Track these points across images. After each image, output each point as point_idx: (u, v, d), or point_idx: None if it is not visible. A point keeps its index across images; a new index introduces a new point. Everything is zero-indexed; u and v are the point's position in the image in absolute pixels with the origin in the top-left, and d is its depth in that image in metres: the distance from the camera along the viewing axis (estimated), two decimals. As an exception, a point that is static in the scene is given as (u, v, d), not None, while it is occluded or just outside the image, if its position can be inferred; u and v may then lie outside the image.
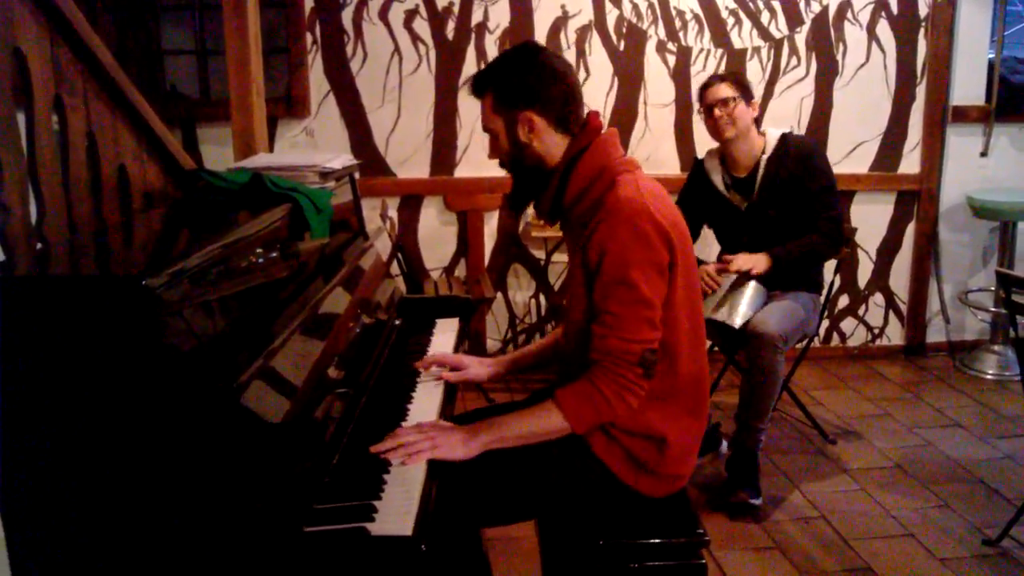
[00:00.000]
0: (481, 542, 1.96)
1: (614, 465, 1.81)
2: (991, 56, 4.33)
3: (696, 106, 3.34)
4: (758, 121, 3.27)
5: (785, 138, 3.19)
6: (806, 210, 3.15)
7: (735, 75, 3.25)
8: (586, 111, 1.89)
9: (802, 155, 3.16)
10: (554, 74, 1.81)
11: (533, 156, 1.84)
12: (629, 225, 1.71)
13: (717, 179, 3.29)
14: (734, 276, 3.12)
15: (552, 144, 1.83)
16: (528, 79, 1.81)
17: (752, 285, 3.10)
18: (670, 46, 4.14)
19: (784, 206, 3.15)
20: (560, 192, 1.84)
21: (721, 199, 3.27)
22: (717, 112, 3.14)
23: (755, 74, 4.19)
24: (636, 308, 1.71)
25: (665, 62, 4.15)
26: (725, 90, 3.14)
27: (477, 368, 2.12)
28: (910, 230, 4.46)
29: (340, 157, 2.48)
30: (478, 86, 1.87)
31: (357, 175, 2.71)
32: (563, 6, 4.05)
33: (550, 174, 1.85)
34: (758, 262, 3.12)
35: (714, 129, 3.20)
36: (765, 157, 3.17)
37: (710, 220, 3.40)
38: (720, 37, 4.16)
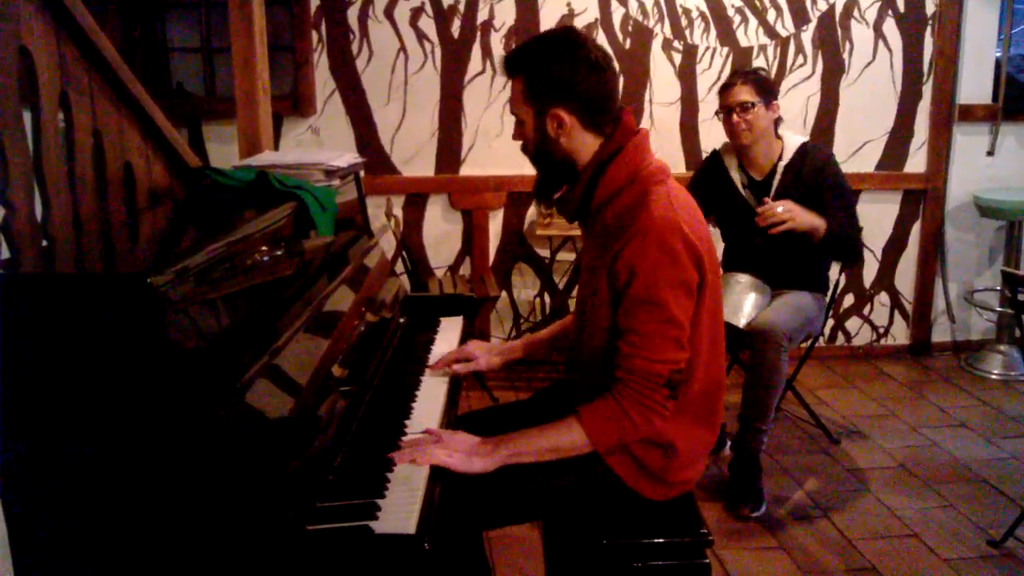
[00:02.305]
0: (482, 543, 1.96)
1: (620, 469, 1.80)
2: (998, 54, 4.32)
3: (716, 104, 3.24)
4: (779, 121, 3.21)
5: (804, 147, 3.14)
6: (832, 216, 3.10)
7: (757, 75, 3.13)
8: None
9: (820, 167, 3.10)
10: (593, 70, 1.73)
11: (560, 151, 1.78)
12: (661, 245, 1.67)
13: (735, 175, 3.22)
14: (742, 280, 3.10)
15: (581, 143, 1.77)
16: (565, 73, 1.72)
17: (756, 284, 3.09)
18: (676, 44, 4.13)
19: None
20: (588, 194, 1.79)
21: (737, 196, 3.21)
22: (735, 117, 3.07)
23: (761, 73, 4.18)
24: (664, 328, 1.68)
25: (671, 60, 4.15)
26: (745, 93, 3.06)
27: (486, 359, 2.08)
28: (916, 229, 4.45)
29: (345, 155, 2.48)
30: (512, 67, 1.79)
31: (362, 173, 2.71)
32: (569, 4, 4.05)
33: (577, 172, 1.80)
34: (809, 221, 3.02)
35: (730, 133, 3.14)
36: (783, 164, 3.12)
37: (720, 215, 3.33)
38: (726, 35, 4.15)
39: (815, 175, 3.10)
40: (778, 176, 3.13)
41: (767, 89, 3.11)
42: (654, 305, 1.67)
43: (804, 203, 3.09)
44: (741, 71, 3.20)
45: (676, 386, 1.71)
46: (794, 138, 3.18)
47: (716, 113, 3.21)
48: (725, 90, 3.14)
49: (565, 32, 1.80)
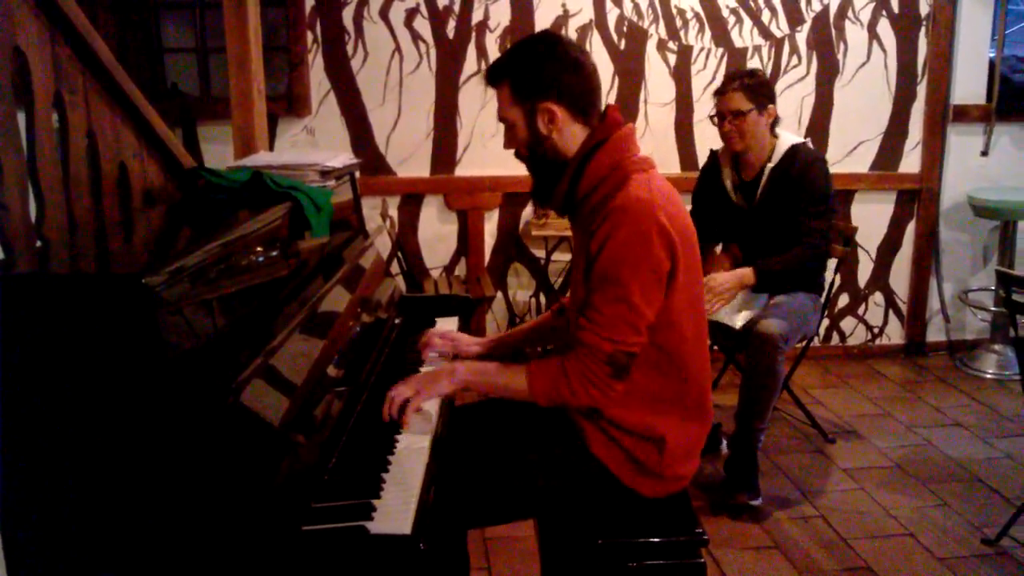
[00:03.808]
0: (465, 536, 1.97)
1: (614, 466, 1.81)
2: (992, 55, 4.33)
3: (711, 104, 3.20)
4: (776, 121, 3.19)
5: (795, 149, 3.11)
6: (798, 219, 3.09)
7: (753, 79, 3.08)
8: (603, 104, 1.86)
9: (804, 167, 3.07)
10: (574, 64, 1.78)
11: (552, 148, 1.80)
12: (632, 225, 1.69)
13: (727, 177, 3.23)
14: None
15: (571, 136, 1.80)
16: (548, 69, 1.77)
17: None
18: (671, 45, 4.14)
19: (782, 215, 3.09)
20: (573, 185, 1.81)
21: (726, 198, 3.23)
22: (727, 125, 3.06)
23: (756, 73, 4.19)
24: (619, 307, 1.70)
25: (666, 61, 4.15)
26: (738, 101, 3.02)
27: (466, 347, 2.15)
28: (910, 229, 4.46)
29: (340, 156, 2.48)
30: (495, 75, 1.82)
31: (357, 174, 2.71)
32: (564, 5, 4.05)
33: (566, 166, 1.82)
34: (737, 280, 3.02)
35: (723, 138, 3.13)
36: (770, 166, 3.11)
37: (716, 217, 3.32)
38: (721, 36, 4.15)
39: (800, 175, 3.07)
40: (764, 178, 3.13)
41: (762, 93, 3.07)
42: (614, 283, 1.69)
43: (788, 206, 3.08)
44: (736, 74, 3.15)
45: (621, 368, 1.73)
46: (787, 140, 3.16)
47: (710, 117, 3.20)
48: (719, 95, 3.12)
49: (541, 34, 1.88)
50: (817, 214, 3.07)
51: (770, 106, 3.09)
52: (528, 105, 1.78)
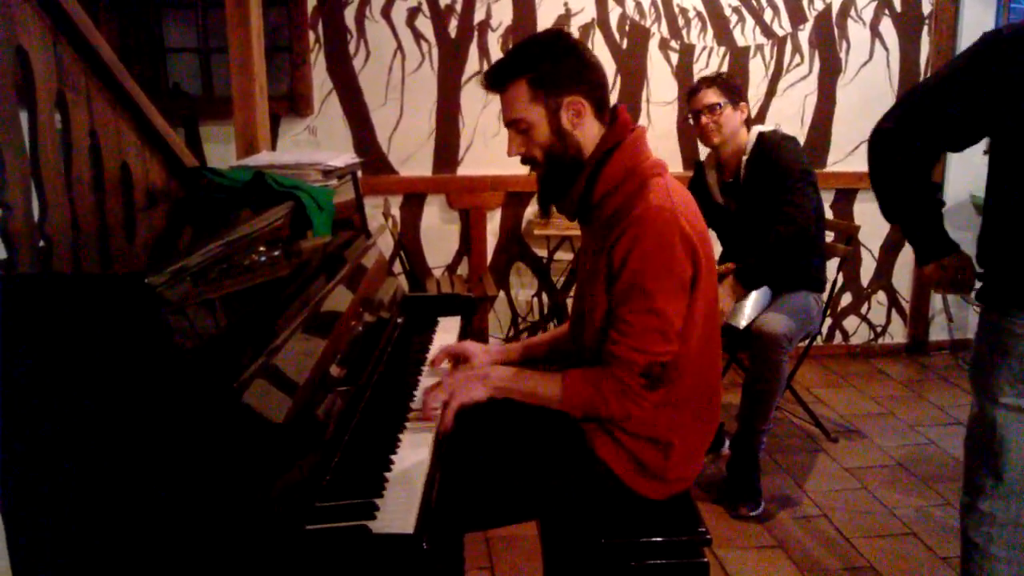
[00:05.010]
0: (463, 536, 1.97)
1: (618, 469, 1.80)
2: (995, 54, 4.32)
3: (687, 111, 3.23)
4: (758, 119, 3.22)
5: (762, 137, 3.12)
6: (778, 199, 3.03)
7: (722, 78, 3.16)
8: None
9: (773, 150, 3.07)
10: (590, 59, 1.76)
11: (574, 146, 1.75)
12: (656, 235, 1.66)
13: (712, 182, 3.28)
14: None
15: (590, 133, 1.76)
16: (572, 62, 1.73)
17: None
18: (673, 44, 4.14)
19: (766, 204, 3.06)
20: (588, 189, 1.78)
21: (715, 203, 3.26)
22: (704, 119, 3.10)
23: (758, 72, 4.19)
24: (649, 318, 1.68)
25: (668, 60, 4.15)
26: (712, 96, 3.08)
27: (482, 359, 2.07)
28: (913, 228, 4.45)
29: (342, 155, 2.48)
30: (506, 74, 1.74)
31: (359, 173, 2.71)
32: (566, 4, 4.05)
33: (582, 167, 1.77)
34: (728, 296, 3.02)
35: (702, 135, 3.17)
36: (745, 159, 3.13)
37: (709, 224, 3.33)
38: (723, 35, 4.15)
39: (770, 160, 3.06)
40: (743, 173, 3.15)
41: (733, 90, 3.12)
42: (642, 293, 1.67)
43: (768, 193, 3.04)
44: (706, 76, 3.20)
45: (656, 378, 1.72)
46: (755, 131, 3.16)
47: (686, 119, 3.23)
48: (692, 95, 3.16)
49: (555, 30, 1.85)
50: (790, 190, 3.01)
51: (742, 103, 3.14)
52: (553, 100, 1.72)
